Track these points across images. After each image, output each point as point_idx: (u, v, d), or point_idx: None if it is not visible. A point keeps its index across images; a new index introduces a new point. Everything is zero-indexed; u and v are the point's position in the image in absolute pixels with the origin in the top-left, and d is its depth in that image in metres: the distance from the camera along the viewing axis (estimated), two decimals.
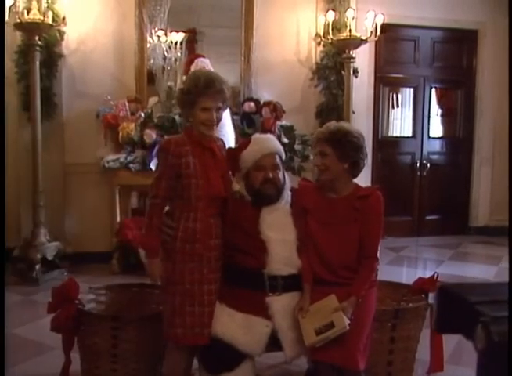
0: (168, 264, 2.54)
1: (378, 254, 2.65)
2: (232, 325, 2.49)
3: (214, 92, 2.53)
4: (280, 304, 2.51)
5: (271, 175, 2.59)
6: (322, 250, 2.57)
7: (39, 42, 4.97)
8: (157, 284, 2.61)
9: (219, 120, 2.60)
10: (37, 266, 4.93)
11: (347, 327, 2.37)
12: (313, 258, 2.57)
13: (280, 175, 2.63)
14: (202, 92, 2.52)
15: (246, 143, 2.67)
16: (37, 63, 4.99)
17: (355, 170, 2.66)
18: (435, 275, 3.08)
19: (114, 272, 5.18)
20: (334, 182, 2.64)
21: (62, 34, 5.35)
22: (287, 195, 2.67)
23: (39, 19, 4.83)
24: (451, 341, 3.52)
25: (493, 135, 7.21)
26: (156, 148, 4.35)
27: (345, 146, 2.59)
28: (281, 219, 2.59)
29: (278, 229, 2.56)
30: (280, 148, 2.72)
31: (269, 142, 2.71)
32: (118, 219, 5.31)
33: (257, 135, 2.80)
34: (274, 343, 2.50)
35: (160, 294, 3.01)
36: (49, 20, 4.91)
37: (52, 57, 5.30)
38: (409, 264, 6.13)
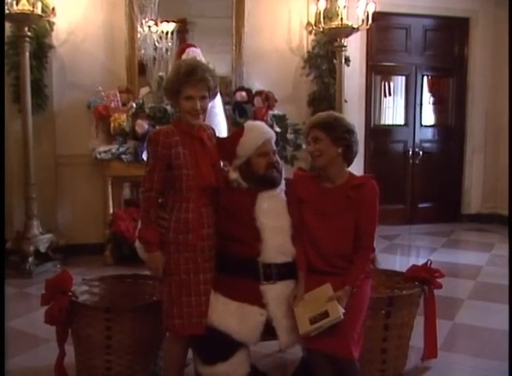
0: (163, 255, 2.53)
1: (374, 245, 2.64)
2: (227, 314, 2.49)
3: (196, 80, 2.49)
4: (275, 292, 2.51)
5: (274, 160, 2.62)
6: (318, 240, 2.57)
7: (29, 33, 4.92)
8: (158, 277, 2.57)
9: (204, 109, 2.57)
10: (30, 259, 4.92)
11: (342, 317, 2.36)
12: (308, 248, 2.57)
13: (279, 159, 2.67)
14: (184, 80, 2.49)
15: (240, 132, 2.66)
16: (27, 54, 4.94)
17: (349, 154, 2.63)
18: (428, 262, 3.09)
19: (107, 263, 5.17)
20: (329, 169, 2.62)
21: (51, 24, 5.31)
22: (282, 182, 2.67)
23: (28, 10, 4.78)
24: (444, 328, 3.55)
25: (485, 122, 7.23)
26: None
27: (337, 129, 2.58)
28: (276, 206, 2.60)
29: (273, 215, 2.56)
30: (273, 133, 2.74)
31: (265, 127, 2.73)
32: (111, 211, 5.30)
33: (250, 123, 2.80)
34: (269, 332, 2.51)
35: (153, 285, 3.03)
36: (38, 11, 4.86)
37: (41, 48, 5.25)
38: (402, 252, 6.15)
